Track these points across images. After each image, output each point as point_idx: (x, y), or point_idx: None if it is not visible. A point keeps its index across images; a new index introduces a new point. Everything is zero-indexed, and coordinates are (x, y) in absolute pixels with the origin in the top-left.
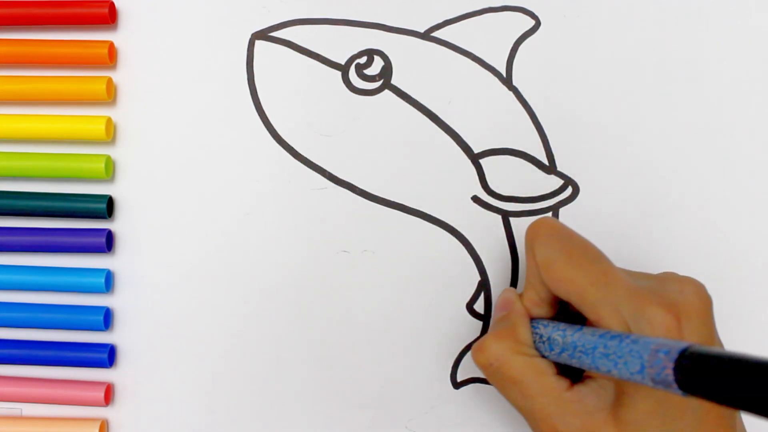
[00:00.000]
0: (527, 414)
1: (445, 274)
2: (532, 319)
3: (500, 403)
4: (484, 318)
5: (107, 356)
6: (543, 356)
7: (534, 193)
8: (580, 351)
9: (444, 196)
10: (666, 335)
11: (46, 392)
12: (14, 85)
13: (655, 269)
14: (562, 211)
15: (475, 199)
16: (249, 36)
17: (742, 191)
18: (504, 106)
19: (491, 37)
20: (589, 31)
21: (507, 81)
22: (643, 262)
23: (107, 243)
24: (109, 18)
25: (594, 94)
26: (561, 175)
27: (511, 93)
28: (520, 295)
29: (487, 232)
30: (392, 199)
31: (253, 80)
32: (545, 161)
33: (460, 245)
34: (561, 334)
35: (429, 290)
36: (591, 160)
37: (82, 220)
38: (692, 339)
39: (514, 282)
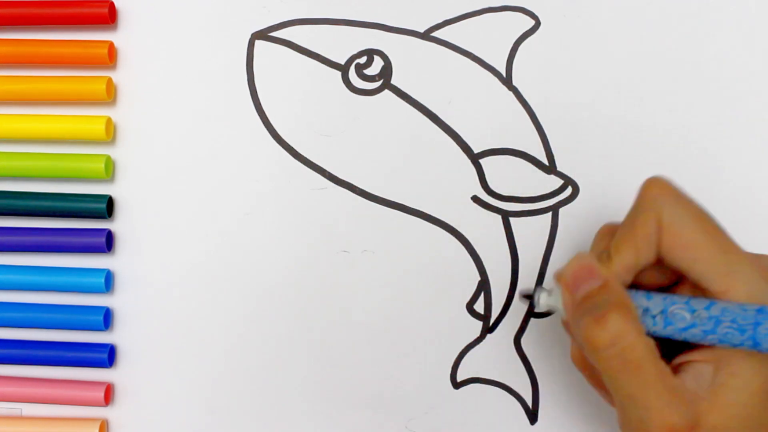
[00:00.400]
0: (638, 404)
1: (445, 274)
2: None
3: (500, 403)
4: (484, 318)
5: (107, 356)
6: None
7: (534, 193)
8: (729, 326)
9: (444, 196)
10: None
11: (46, 392)
12: (14, 85)
13: None
14: (562, 211)
15: (475, 199)
16: (249, 36)
17: (742, 191)
18: (504, 106)
19: (491, 37)
20: (589, 31)
21: (507, 81)
22: None
23: (107, 243)
24: (109, 18)
25: (594, 94)
26: (561, 175)
27: (511, 93)
28: (610, 258)
29: (487, 232)
30: (392, 199)
31: (253, 80)
32: (545, 161)
33: (460, 245)
34: (686, 307)
35: (429, 290)
36: (591, 160)
37: (82, 220)
38: None
39: (513, 282)
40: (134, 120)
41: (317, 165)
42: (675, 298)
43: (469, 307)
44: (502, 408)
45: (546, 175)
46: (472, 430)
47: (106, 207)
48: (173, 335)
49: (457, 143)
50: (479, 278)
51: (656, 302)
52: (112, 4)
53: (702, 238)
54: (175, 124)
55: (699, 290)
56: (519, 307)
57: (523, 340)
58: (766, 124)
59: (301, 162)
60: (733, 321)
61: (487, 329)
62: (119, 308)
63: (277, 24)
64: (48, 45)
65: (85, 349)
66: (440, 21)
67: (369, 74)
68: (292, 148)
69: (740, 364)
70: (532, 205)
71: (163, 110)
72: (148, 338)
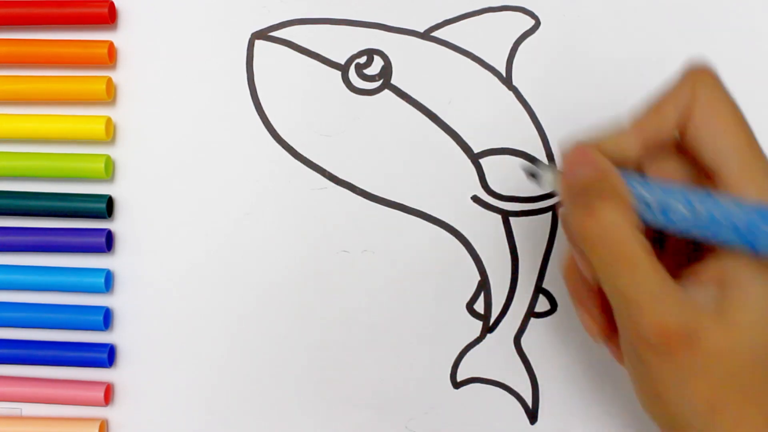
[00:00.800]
0: (632, 304)
1: (445, 274)
2: (626, 173)
3: (500, 403)
4: (484, 318)
5: (107, 356)
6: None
7: (534, 193)
8: (726, 224)
9: (444, 196)
10: None
11: (46, 392)
12: (14, 85)
13: None
14: (562, 210)
15: (475, 199)
16: (249, 36)
17: None
18: (504, 106)
19: (491, 37)
20: (589, 31)
21: (507, 81)
22: None
23: (107, 243)
24: (109, 18)
25: (594, 94)
26: None
27: (511, 93)
28: (610, 137)
29: (487, 232)
30: (392, 199)
31: (253, 80)
32: (545, 161)
33: (460, 245)
34: (683, 200)
35: (429, 290)
36: None
37: (82, 220)
38: None
39: (513, 282)
40: (134, 120)
41: (317, 165)
42: (675, 189)
43: (469, 307)
44: (502, 408)
45: None
46: (472, 430)
47: (106, 207)
48: (173, 335)
49: (457, 143)
50: (479, 278)
51: (655, 192)
52: (112, 4)
53: (732, 128)
54: (175, 124)
55: (711, 183)
56: (519, 307)
57: (523, 340)
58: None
59: (301, 162)
60: (728, 218)
61: (487, 329)
62: (119, 308)
63: (277, 24)
64: (48, 45)
65: (85, 349)
66: (440, 21)
67: (369, 74)
68: (292, 148)
69: (750, 282)
70: (532, 205)
71: (163, 110)
72: (148, 338)
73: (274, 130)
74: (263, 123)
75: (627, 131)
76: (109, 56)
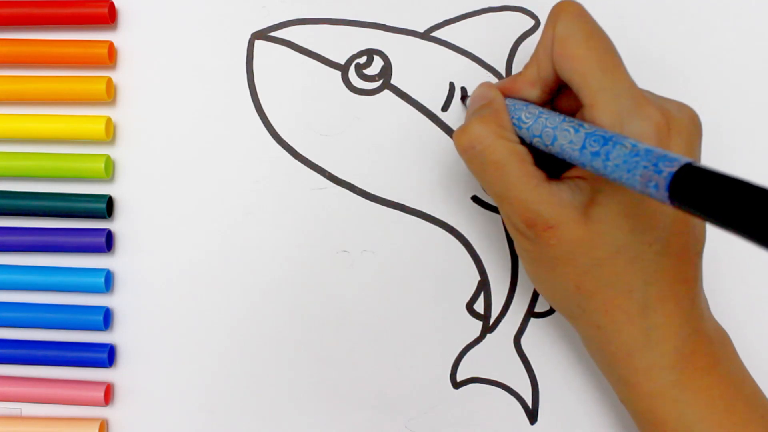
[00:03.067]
0: (503, 200)
1: (445, 274)
2: (515, 102)
3: (500, 403)
4: (484, 318)
5: (107, 356)
6: (523, 144)
7: None
8: (570, 143)
9: (444, 196)
10: (655, 137)
11: (46, 392)
12: (14, 85)
13: None
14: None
15: (475, 199)
16: (249, 36)
17: None
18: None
19: (491, 37)
20: None
21: None
22: None
23: (107, 243)
24: (109, 18)
25: None
26: None
27: None
28: (514, 76)
29: (487, 232)
30: (392, 199)
31: (253, 80)
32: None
33: (460, 245)
34: (549, 122)
35: (429, 290)
36: None
37: (82, 220)
38: (678, 152)
39: (513, 282)
40: (134, 120)
41: (317, 165)
42: (551, 113)
43: (469, 307)
44: (502, 408)
45: None
46: (472, 430)
47: (106, 207)
48: (173, 335)
49: None
50: (479, 278)
51: (534, 116)
52: (112, 4)
53: (585, 53)
54: (175, 124)
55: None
56: (519, 307)
57: (523, 340)
58: (766, 124)
59: (301, 162)
60: (570, 141)
61: (487, 329)
62: (119, 308)
63: (277, 24)
64: (48, 45)
65: (85, 349)
66: (440, 21)
67: (369, 74)
68: (292, 148)
69: (608, 182)
70: None
71: (163, 110)
72: (148, 338)
73: (274, 130)
74: (263, 123)
75: (519, 75)
76: (109, 56)
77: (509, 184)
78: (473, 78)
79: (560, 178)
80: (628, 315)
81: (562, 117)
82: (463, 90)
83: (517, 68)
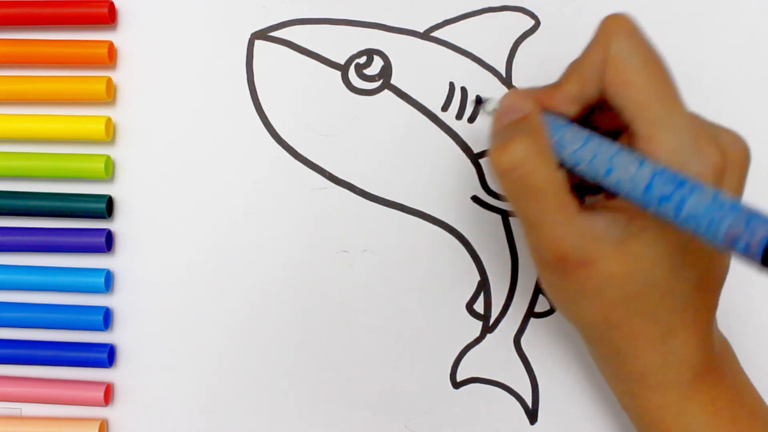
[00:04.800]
0: (535, 229)
1: (445, 274)
2: (553, 118)
3: (500, 403)
4: (484, 318)
5: (107, 356)
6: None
7: None
8: (632, 180)
9: (444, 196)
10: (713, 179)
11: (46, 392)
12: (14, 85)
13: None
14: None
15: (475, 199)
16: (249, 36)
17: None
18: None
19: (491, 37)
20: (589, 31)
21: (507, 81)
22: None
23: (107, 243)
24: (109, 18)
25: None
26: None
27: None
28: (552, 87)
29: (487, 232)
30: (392, 199)
31: (253, 80)
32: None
33: (460, 245)
34: (604, 149)
35: (429, 290)
36: None
37: (82, 220)
38: (728, 189)
39: (513, 282)
40: (134, 120)
41: (317, 165)
42: (595, 138)
43: (469, 307)
44: (502, 408)
45: None
46: (472, 430)
47: (106, 207)
48: (173, 335)
49: (457, 143)
50: (479, 278)
51: (575, 137)
52: (112, 4)
53: (642, 79)
54: (175, 124)
55: (632, 135)
56: (519, 307)
57: (523, 340)
58: (766, 124)
59: (301, 162)
60: (631, 178)
61: (487, 329)
62: (119, 308)
63: (277, 24)
64: (48, 45)
65: (85, 349)
66: (440, 21)
67: (369, 74)
68: (292, 148)
69: (653, 220)
70: None
71: (163, 110)
72: (148, 338)
73: (274, 130)
74: (263, 123)
75: (559, 89)
76: (109, 56)
77: (545, 213)
78: (473, 78)
79: (594, 207)
80: (650, 341)
81: (617, 145)
82: (479, 97)
83: (517, 68)
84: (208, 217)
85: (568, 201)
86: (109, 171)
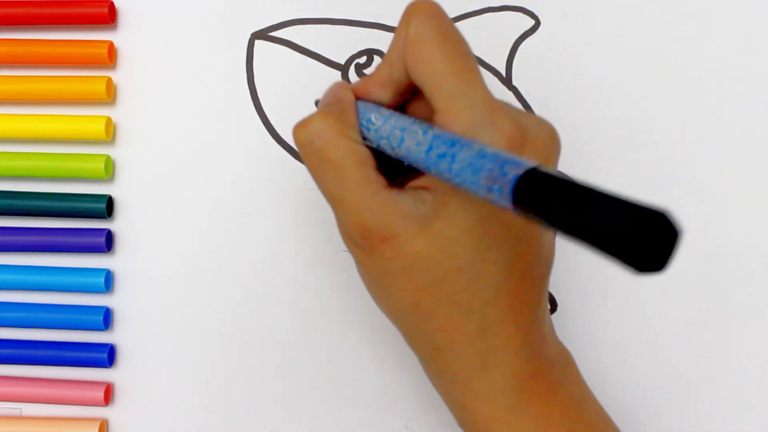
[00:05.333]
0: (337, 203)
1: None
2: (367, 103)
3: None
4: None
5: (107, 356)
6: (368, 146)
7: None
8: (418, 145)
9: None
10: (506, 146)
11: (46, 392)
12: (14, 85)
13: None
14: None
15: None
16: (249, 36)
17: (743, 191)
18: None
19: (491, 37)
20: (589, 31)
21: (507, 81)
22: None
23: (107, 243)
24: (109, 18)
25: (594, 94)
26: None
27: (511, 93)
28: (367, 76)
29: None
30: None
31: (253, 80)
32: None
33: None
34: (399, 124)
35: None
36: (591, 160)
37: (82, 220)
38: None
39: None
40: (134, 120)
41: None
42: (400, 116)
43: None
44: None
45: None
46: None
47: (106, 207)
48: (173, 335)
49: None
50: None
51: (383, 117)
52: (112, 4)
53: (438, 55)
54: (175, 124)
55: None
56: None
57: None
58: (766, 124)
59: (301, 162)
60: (417, 143)
61: None
62: (119, 308)
63: (277, 24)
64: (48, 45)
65: (85, 349)
66: None
67: (369, 74)
68: (292, 148)
69: (453, 195)
70: None
71: (163, 110)
72: (148, 338)
73: (274, 130)
74: (263, 123)
75: (371, 76)
76: (109, 56)
77: (345, 187)
78: None
79: (403, 187)
80: (467, 336)
81: (412, 119)
82: (316, 100)
83: (517, 68)
84: (208, 217)
85: (372, 176)
86: (109, 171)
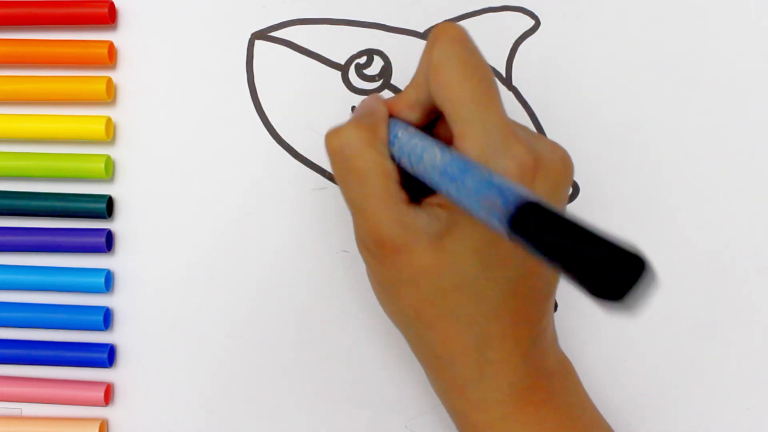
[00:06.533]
0: (358, 211)
1: None
2: (396, 120)
3: None
4: None
5: (107, 356)
6: (394, 161)
7: None
8: (433, 166)
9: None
10: (519, 177)
11: (46, 392)
12: (14, 85)
13: (655, 269)
14: None
15: None
16: (249, 36)
17: (742, 191)
18: (504, 106)
19: (491, 37)
20: (589, 31)
21: (507, 81)
22: None
23: (107, 243)
24: (109, 18)
25: (594, 94)
26: None
27: (511, 93)
28: (397, 95)
29: None
30: None
31: (253, 80)
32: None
33: None
34: (420, 144)
35: None
36: (591, 160)
37: (82, 220)
38: (541, 194)
39: None
40: (134, 120)
41: (317, 165)
42: (423, 136)
43: None
44: None
45: None
46: None
47: (106, 207)
48: (173, 335)
49: None
50: None
51: (408, 134)
52: (112, 4)
53: (458, 80)
54: (174, 124)
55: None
56: None
57: None
58: (766, 124)
59: (301, 162)
60: (433, 164)
61: None
62: (119, 308)
63: (277, 24)
64: (48, 45)
65: (85, 349)
66: (440, 21)
67: (369, 74)
68: (292, 148)
69: (466, 216)
70: None
71: (163, 110)
72: (148, 338)
73: (274, 130)
74: (263, 123)
75: (400, 96)
76: (109, 56)
77: (368, 197)
78: None
79: (420, 204)
80: (466, 348)
81: (434, 141)
82: (353, 107)
83: (517, 68)
84: (208, 217)
85: (394, 190)
86: (109, 171)
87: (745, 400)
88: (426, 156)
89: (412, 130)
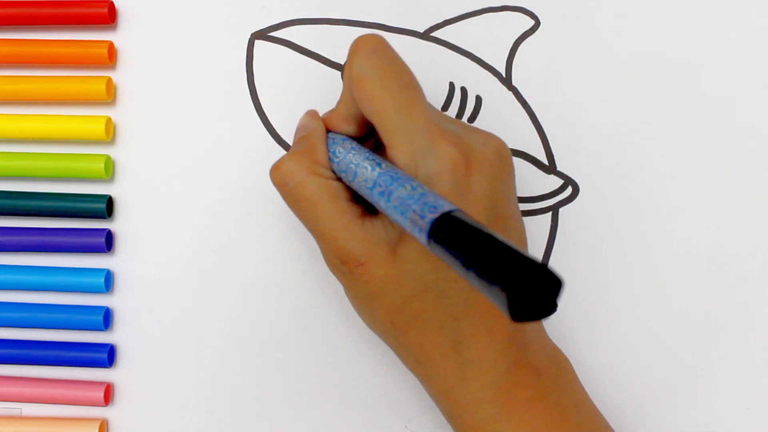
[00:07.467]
0: (317, 235)
1: None
2: (335, 136)
3: None
4: None
5: (107, 356)
6: (339, 179)
7: (534, 193)
8: (365, 181)
9: None
10: (451, 175)
11: (46, 392)
12: (14, 85)
13: (654, 269)
14: (561, 210)
15: None
16: (249, 36)
17: (741, 191)
18: (504, 106)
19: (491, 37)
20: (589, 31)
21: (507, 81)
22: (643, 262)
23: (107, 243)
24: (109, 18)
25: (594, 94)
26: (561, 175)
27: (510, 93)
28: (331, 110)
29: None
30: None
31: (253, 80)
32: (545, 161)
33: None
34: (354, 160)
35: None
36: (591, 160)
37: (82, 220)
38: (479, 188)
39: None
40: (134, 120)
41: None
42: (356, 151)
43: None
44: None
45: (546, 175)
46: None
47: (106, 207)
48: (173, 335)
49: None
50: None
51: (345, 151)
52: (112, 4)
53: (380, 93)
54: (175, 124)
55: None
56: None
57: None
58: (766, 124)
59: None
60: (365, 179)
61: None
62: (119, 308)
63: (277, 24)
64: (48, 45)
65: (85, 349)
66: (440, 21)
67: None
68: None
69: None
70: (532, 204)
71: (163, 110)
72: (148, 338)
73: (274, 130)
74: (263, 123)
75: (333, 111)
76: (109, 56)
77: (321, 220)
78: (473, 78)
79: (377, 214)
80: (442, 350)
81: (367, 154)
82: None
83: (516, 68)
84: (208, 217)
85: (345, 207)
86: (109, 171)
87: (745, 400)
88: (359, 171)
89: (348, 144)
